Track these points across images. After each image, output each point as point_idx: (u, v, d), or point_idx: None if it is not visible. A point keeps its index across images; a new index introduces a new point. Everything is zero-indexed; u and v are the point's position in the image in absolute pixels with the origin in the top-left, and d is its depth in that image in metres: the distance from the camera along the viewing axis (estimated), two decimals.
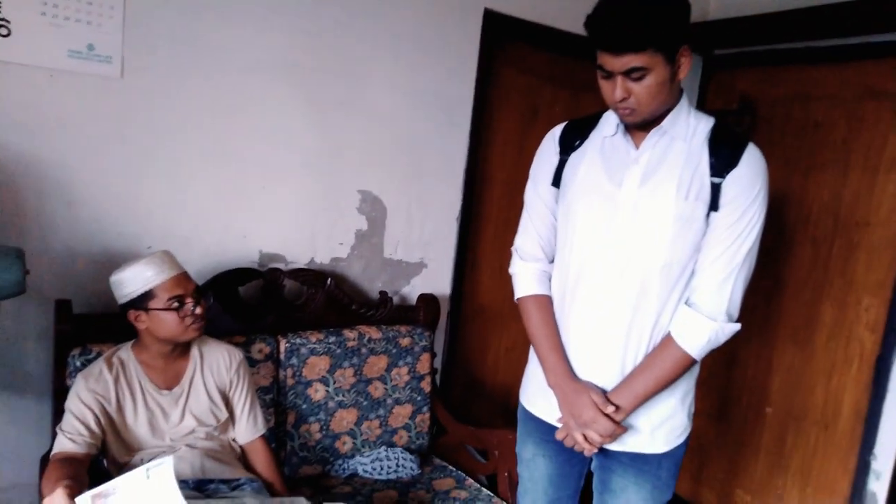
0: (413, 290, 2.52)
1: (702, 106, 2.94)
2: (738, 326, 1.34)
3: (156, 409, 1.63)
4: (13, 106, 1.75)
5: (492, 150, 2.66)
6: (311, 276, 2.20)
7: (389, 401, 2.21)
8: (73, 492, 1.22)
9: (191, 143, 2.00)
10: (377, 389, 2.19)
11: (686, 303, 1.34)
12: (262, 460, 1.76)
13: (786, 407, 2.54)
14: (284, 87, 2.12)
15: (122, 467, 1.56)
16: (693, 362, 1.35)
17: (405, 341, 2.26)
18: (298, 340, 2.05)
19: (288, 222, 2.21)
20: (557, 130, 1.49)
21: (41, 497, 1.42)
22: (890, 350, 2.21)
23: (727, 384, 2.75)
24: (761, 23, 2.58)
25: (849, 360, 2.34)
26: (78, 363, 1.70)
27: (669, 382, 1.36)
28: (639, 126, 1.33)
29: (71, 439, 1.49)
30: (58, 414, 1.72)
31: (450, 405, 2.36)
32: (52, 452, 1.50)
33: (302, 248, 2.26)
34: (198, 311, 1.63)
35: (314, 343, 2.07)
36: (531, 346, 1.55)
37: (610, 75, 1.25)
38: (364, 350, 2.17)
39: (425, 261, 2.54)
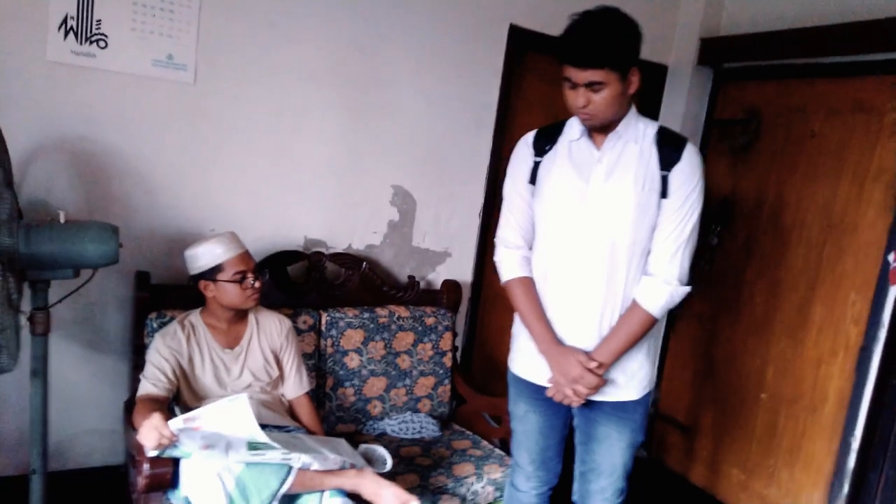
0: (438, 276, 2.80)
1: (710, 115, 3.17)
2: (689, 289, 1.64)
3: (220, 365, 1.94)
4: (106, 107, 2.08)
5: None
6: (349, 260, 2.50)
7: (415, 372, 2.49)
8: (166, 417, 1.52)
9: (251, 140, 2.31)
10: (404, 362, 2.47)
11: (645, 273, 1.64)
12: (306, 413, 2.05)
13: (778, 393, 2.76)
14: (332, 94, 2.41)
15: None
16: (655, 321, 1.64)
17: (430, 320, 2.53)
18: (337, 315, 2.35)
19: (330, 212, 2.51)
20: (530, 136, 1.76)
21: (132, 428, 1.74)
22: (871, 341, 2.42)
23: (727, 373, 2.97)
24: (769, 39, 2.80)
25: (835, 351, 2.55)
26: (155, 325, 2.02)
27: (638, 339, 1.64)
28: (597, 130, 1.62)
29: (153, 384, 1.80)
30: (136, 368, 2.04)
31: (468, 379, 2.63)
32: (138, 395, 1.80)
33: (341, 235, 2.55)
34: (256, 284, 1.93)
35: (351, 318, 2.37)
36: (515, 322, 1.83)
37: (574, 86, 1.53)
38: (394, 326, 2.45)
39: (449, 250, 2.82)
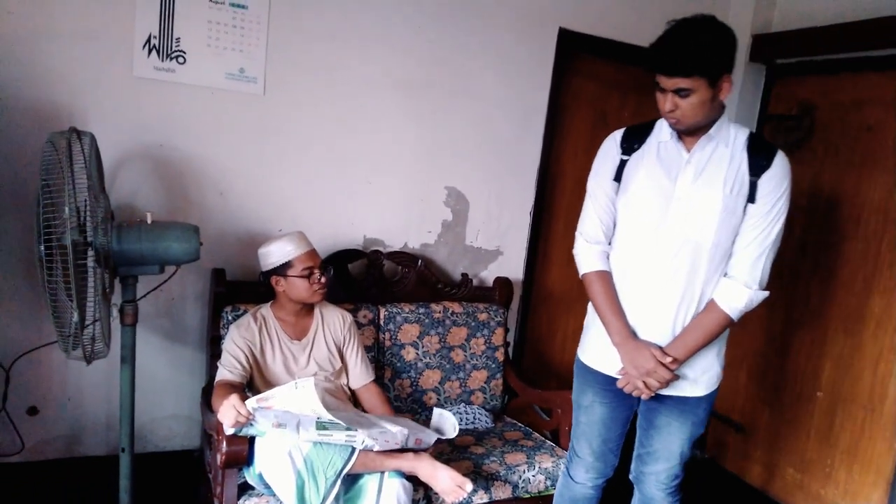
0: (490, 273, 2.89)
1: (764, 111, 3.15)
2: (767, 294, 1.66)
3: (288, 354, 2.09)
4: (184, 117, 2.26)
5: (563, 151, 2.99)
6: (405, 258, 2.62)
7: (468, 366, 2.59)
8: (243, 398, 1.67)
9: (314, 146, 2.46)
10: (458, 355, 2.57)
11: (726, 275, 1.66)
12: (377, 397, 2.16)
13: (835, 391, 2.72)
14: (387, 101, 2.54)
15: None
16: (731, 322, 1.66)
17: (482, 316, 2.63)
18: (395, 310, 2.47)
19: (387, 212, 2.64)
20: (618, 134, 1.79)
21: (210, 411, 1.90)
22: None
23: (781, 371, 2.95)
24: (821, 34, 2.78)
25: (895, 348, 2.51)
26: (230, 317, 2.18)
27: (713, 339, 1.68)
28: (687, 133, 1.65)
29: (230, 371, 1.96)
30: (213, 358, 2.21)
31: (520, 373, 2.70)
32: (216, 381, 1.96)
33: (398, 235, 2.68)
34: (323, 279, 2.07)
35: (407, 313, 2.49)
36: (588, 314, 1.88)
37: (664, 91, 1.57)
38: (448, 321, 2.56)
39: (501, 249, 2.91)
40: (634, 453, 1.90)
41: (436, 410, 2.08)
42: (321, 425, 1.73)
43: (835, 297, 2.74)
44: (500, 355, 2.65)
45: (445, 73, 2.62)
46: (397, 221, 2.67)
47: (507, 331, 2.71)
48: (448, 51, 2.61)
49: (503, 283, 2.78)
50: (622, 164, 1.74)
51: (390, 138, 2.58)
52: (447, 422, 2.03)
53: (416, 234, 2.71)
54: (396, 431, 1.84)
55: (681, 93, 1.53)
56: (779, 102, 3.08)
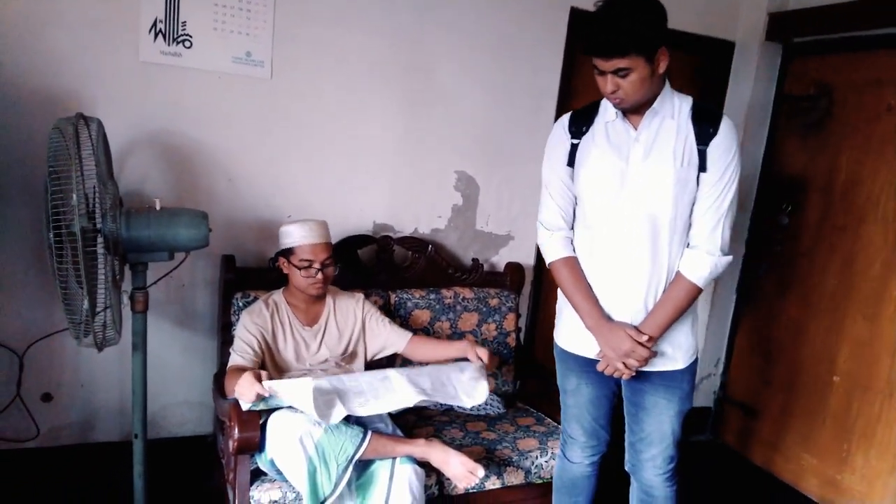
0: (501, 259, 2.86)
1: (780, 91, 3.09)
2: (731, 258, 1.68)
3: (300, 340, 2.08)
4: (191, 102, 2.24)
5: None
6: (415, 243, 2.60)
7: None
8: (257, 377, 1.70)
9: (322, 130, 2.43)
10: (469, 341, 2.55)
11: (688, 246, 1.68)
12: (426, 343, 2.19)
13: (852, 376, 2.69)
14: (397, 84, 2.51)
15: None
16: (700, 291, 1.68)
17: (494, 302, 2.61)
18: (405, 296, 2.46)
19: (397, 198, 2.62)
20: (565, 119, 1.78)
21: (223, 396, 1.90)
22: None
23: (797, 355, 2.91)
24: (839, 11, 2.71)
25: None
26: (240, 304, 2.18)
27: (685, 310, 1.69)
28: (632, 111, 1.65)
29: (241, 356, 1.95)
30: (224, 344, 2.21)
31: (532, 358, 2.69)
32: (228, 366, 1.96)
33: (407, 220, 2.65)
34: (318, 276, 2.04)
35: (418, 298, 2.47)
36: (560, 300, 1.88)
37: (602, 73, 1.57)
38: (458, 307, 2.54)
39: (512, 234, 2.88)
40: (627, 442, 1.89)
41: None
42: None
43: (852, 280, 2.70)
44: (511, 341, 2.63)
45: (454, 55, 2.58)
46: (407, 206, 2.64)
47: (518, 316, 2.69)
48: (457, 34, 2.56)
49: (514, 268, 2.76)
50: (573, 148, 1.75)
51: (400, 122, 2.55)
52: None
53: (426, 219, 2.69)
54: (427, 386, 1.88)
55: (620, 73, 1.54)
56: (795, 82, 3.02)
